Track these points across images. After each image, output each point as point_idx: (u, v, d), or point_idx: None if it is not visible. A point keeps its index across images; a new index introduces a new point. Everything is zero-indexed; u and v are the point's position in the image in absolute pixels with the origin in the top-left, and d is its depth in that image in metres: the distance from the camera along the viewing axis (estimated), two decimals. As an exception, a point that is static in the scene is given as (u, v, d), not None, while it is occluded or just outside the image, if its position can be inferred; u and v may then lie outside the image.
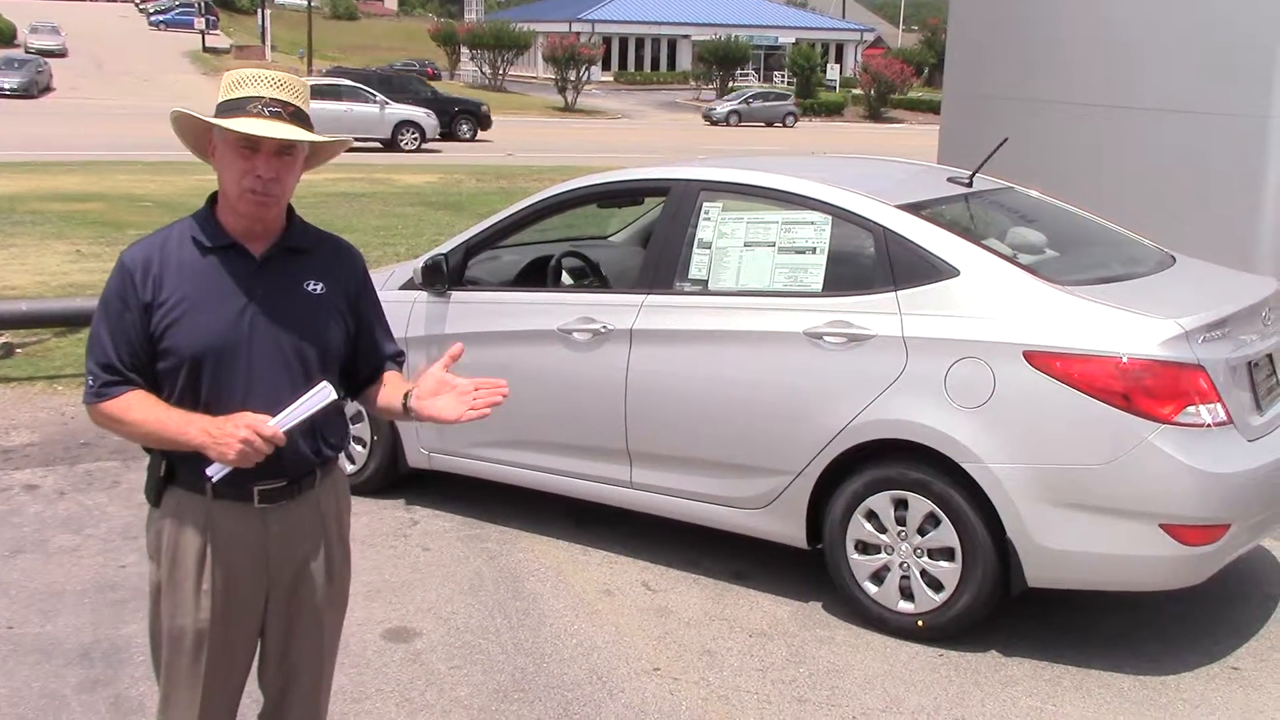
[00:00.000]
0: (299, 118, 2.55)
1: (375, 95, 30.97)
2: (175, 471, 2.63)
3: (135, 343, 2.56)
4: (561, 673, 4.19)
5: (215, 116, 2.54)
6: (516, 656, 4.31)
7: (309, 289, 2.68)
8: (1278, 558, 5.25)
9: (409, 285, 5.56)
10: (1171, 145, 7.38)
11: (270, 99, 2.53)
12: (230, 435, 2.45)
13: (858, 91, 59.20)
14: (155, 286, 2.55)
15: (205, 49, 63.39)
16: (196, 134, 2.61)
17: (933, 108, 53.05)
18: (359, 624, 4.50)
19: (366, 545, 5.26)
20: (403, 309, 5.50)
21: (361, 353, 2.84)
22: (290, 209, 2.70)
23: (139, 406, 2.56)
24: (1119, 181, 7.54)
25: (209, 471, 2.50)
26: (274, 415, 2.50)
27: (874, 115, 56.30)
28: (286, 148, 2.54)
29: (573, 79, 52.85)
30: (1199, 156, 7.24)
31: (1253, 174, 6.99)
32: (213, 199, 2.66)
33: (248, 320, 2.59)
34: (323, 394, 2.53)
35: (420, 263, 5.53)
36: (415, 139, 30.76)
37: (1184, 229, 6.97)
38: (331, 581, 2.87)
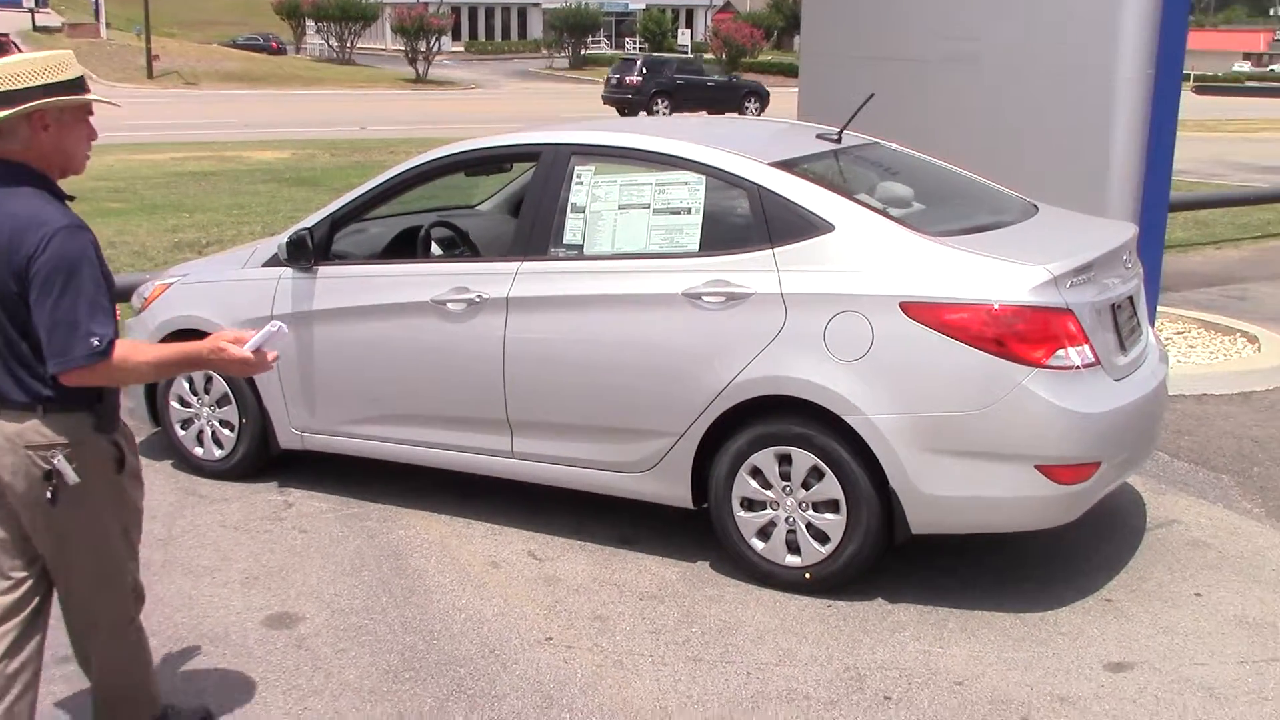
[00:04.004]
0: None
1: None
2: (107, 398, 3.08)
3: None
4: (452, 649, 4.13)
5: (63, 95, 2.93)
6: (404, 635, 4.22)
7: None
8: (1141, 493, 5.45)
9: (273, 262, 5.37)
10: (1021, 99, 7.55)
11: (84, 74, 3.06)
12: (232, 355, 3.03)
13: (709, 56, 59.50)
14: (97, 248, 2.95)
15: (36, 28, 60.44)
16: (15, 120, 2.90)
17: (783, 70, 53.72)
18: (238, 612, 4.36)
19: (240, 531, 5.10)
20: (267, 287, 5.32)
21: None
22: None
23: (138, 347, 3.00)
24: (976, 135, 7.68)
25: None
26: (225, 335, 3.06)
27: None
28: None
29: (423, 50, 52.05)
30: (1048, 110, 7.42)
31: (1100, 125, 7.19)
32: (19, 167, 2.94)
33: None
34: (281, 333, 3.12)
35: (284, 238, 5.34)
36: None
37: (1041, 180, 7.15)
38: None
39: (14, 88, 2.87)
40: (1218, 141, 27.80)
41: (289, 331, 2.94)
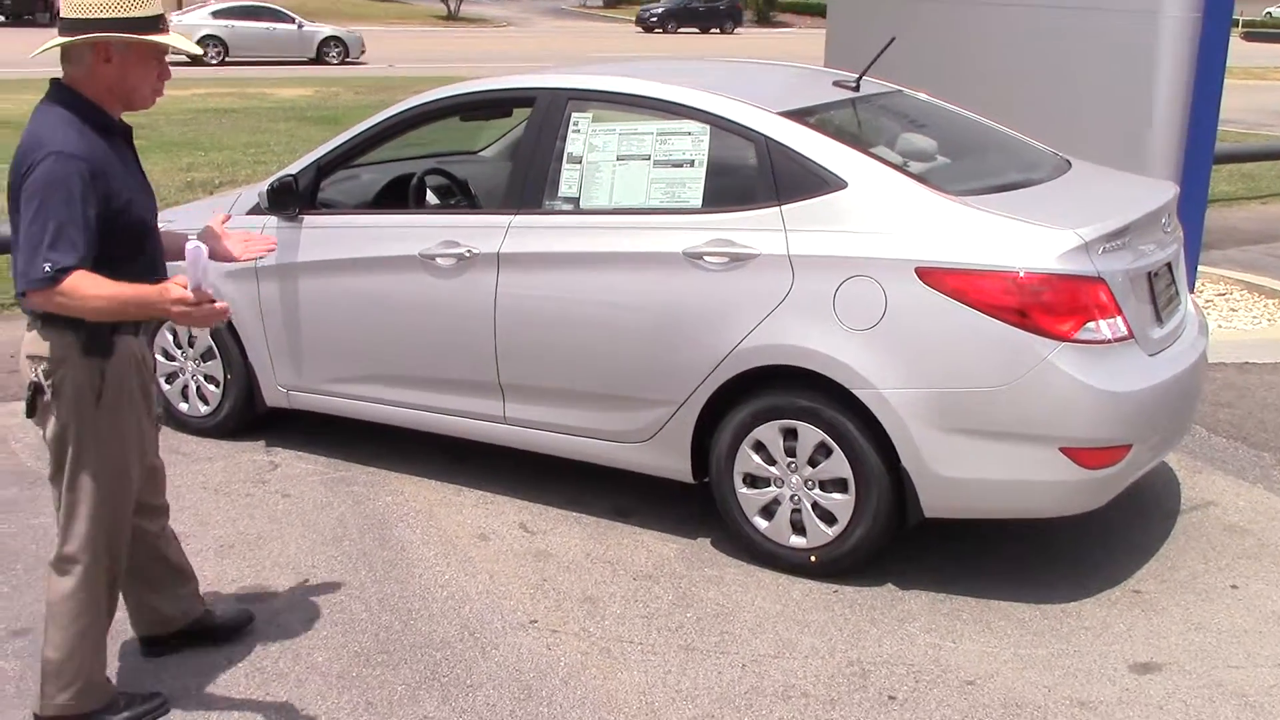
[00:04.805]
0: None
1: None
2: (118, 325, 3.05)
3: (97, 228, 2.90)
4: (430, 630, 3.87)
5: (132, 32, 2.96)
6: (381, 614, 3.97)
7: (138, 159, 3.22)
8: (1175, 471, 5.11)
9: (256, 210, 5.08)
10: (1061, 42, 7.16)
11: (161, 13, 3.04)
12: (213, 312, 2.90)
13: (746, -4, 58.41)
14: (104, 174, 2.94)
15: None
16: (82, 45, 2.96)
17: (821, 11, 52.61)
18: (209, 584, 4.12)
19: (221, 494, 4.86)
20: (251, 236, 5.03)
21: None
22: None
23: (97, 282, 2.87)
24: (1009, 82, 7.30)
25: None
26: (178, 280, 2.90)
27: (763, 20, 55.65)
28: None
29: (456, -14, 51.28)
30: (1089, 54, 7.02)
31: (1143, 72, 6.79)
32: (70, 90, 3.01)
33: (145, 191, 3.13)
34: (200, 251, 2.85)
35: (267, 185, 5.05)
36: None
37: (1077, 130, 6.78)
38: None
39: (86, 16, 2.95)
40: (1266, 90, 26.93)
41: (204, 249, 2.80)
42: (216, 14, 29.78)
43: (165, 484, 3.55)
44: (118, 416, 3.12)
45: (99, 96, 3.03)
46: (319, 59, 29.96)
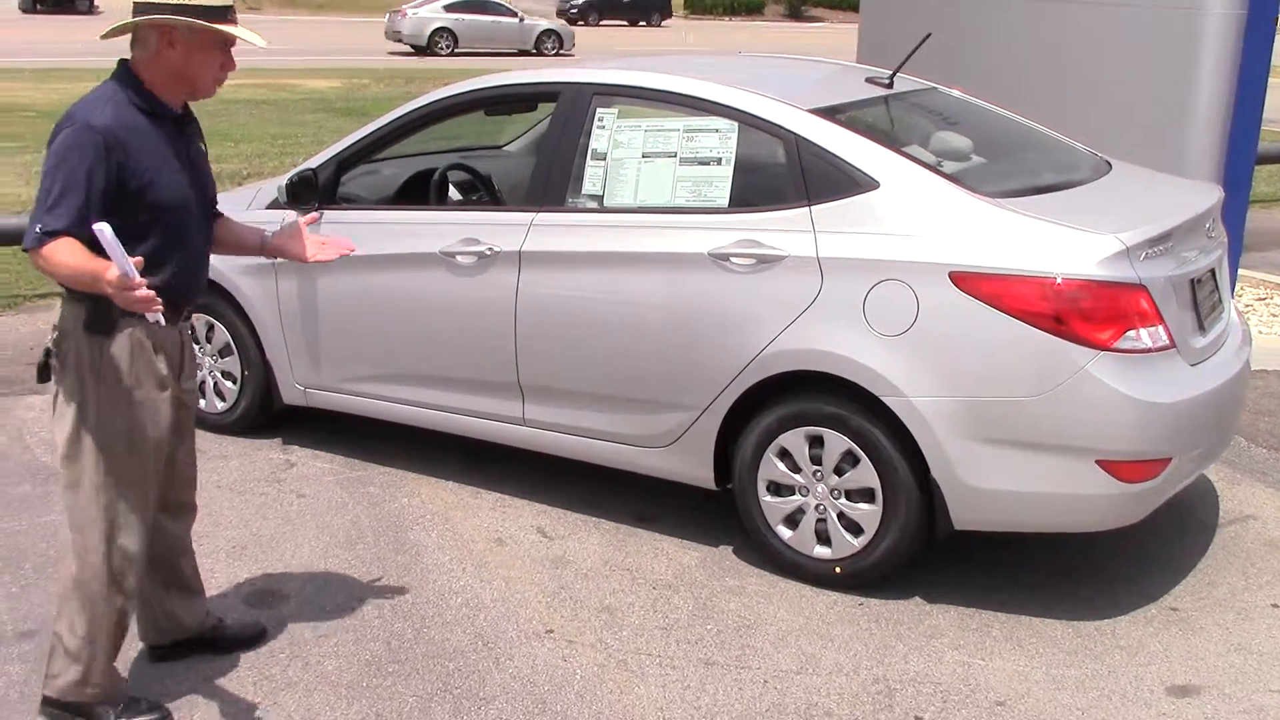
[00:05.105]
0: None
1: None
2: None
3: (101, 199, 2.88)
4: (443, 639, 3.77)
5: (197, 18, 2.95)
6: (394, 621, 3.87)
7: (201, 148, 3.26)
8: (1214, 483, 4.96)
9: (275, 204, 4.99)
10: (1100, 39, 6.97)
11: (230, 4, 3.05)
12: (135, 299, 2.76)
13: (778, -12, 58.01)
14: (125, 150, 2.93)
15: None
16: (148, 28, 2.99)
17: (854, 5, 52.25)
18: (219, 587, 4.04)
19: (235, 493, 4.78)
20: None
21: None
22: None
23: (72, 251, 2.85)
24: (1045, 79, 7.12)
25: (150, 319, 2.86)
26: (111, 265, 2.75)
27: (794, 14, 55.27)
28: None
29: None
30: (1129, 51, 6.84)
31: (1184, 70, 6.61)
32: (129, 70, 3.04)
33: (187, 177, 3.10)
34: (102, 231, 2.71)
35: (285, 179, 4.96)
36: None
37: (1115, 128, 6.61)
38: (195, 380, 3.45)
39: (156, 0, 2.96)
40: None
41: (108, 229, 2.69)
42: (448, 8, 30.97)
43: (194, 482, 3.50)
44: (120, 397, 3.08)
45: (158, 81, 3.04)
46: (537, 50, 31.55)
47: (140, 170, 2.96)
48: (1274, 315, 7.38)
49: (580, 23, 42.05)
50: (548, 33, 32.30)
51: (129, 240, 2.87)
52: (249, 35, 3.08)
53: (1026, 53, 7.28)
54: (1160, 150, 6.42)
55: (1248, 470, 5.12)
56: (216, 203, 3.35)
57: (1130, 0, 6.72)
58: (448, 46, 30.19)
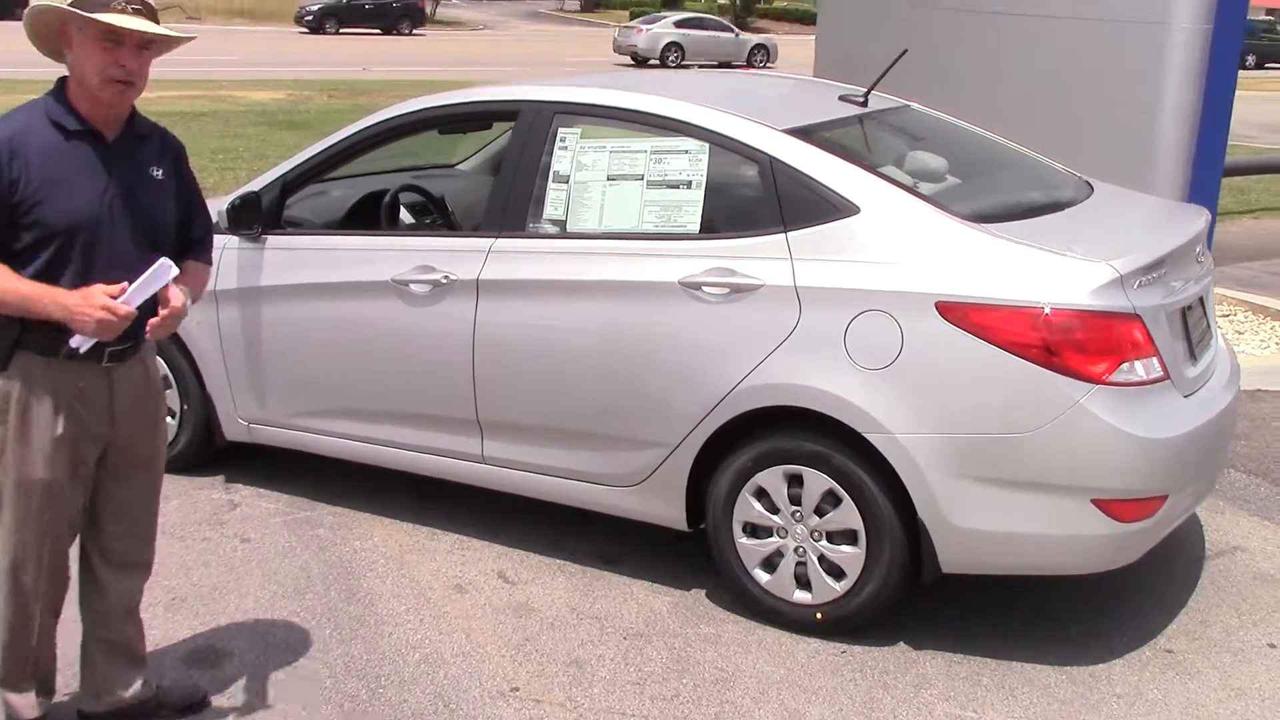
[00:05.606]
0: (152, 14, 2.79)
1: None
2: (25, 336, 2.81)
3: None
4: (401, 700, 3.51)
5: (77, 9, 2.69)
6: (347, 680, 3.60)
7: (153, 173, 2.97)
8: (1199, 513, 4.80)
9: (215, 230, 4.70)
10: (1067, 54, 6.87)
11: None
12: (88, 312, 2.70)
13: (723, 2, 58.13)
14: (21, 166, 2.73)
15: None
16: (53, 28, 2.79)
17: (800, 18, 52.41)
18: (156, 643, 3.75)
19: (174, 538, 4.48)
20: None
21: (183, 232, 3.11)
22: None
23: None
24: (1012, 94, 7.01)
25: (74, 343, 2.76)
26: (122, 288, 2.74)
27: (740, 25, 55.35)
28: (147, 42, 2.80)
29: (432, -11, 50.86)
30: (1093, 67, 6.74)
31: (1152, 84, 6.51)
32: (62, 86, 2.85)
33: (108, 200, 2.84)
34: (164, 269, 2.77)
35: (225, 203, 4.67)
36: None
37: (1081, 144, 6.48)
38: (158, 429, 3.18)
39: None
40: (1245, 100, 26.78)
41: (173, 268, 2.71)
42: (678, 24, 35.47)
43: (148, 538, 3.26)
44: (27, 434, 2.87)
45: (75, 91, 2.84)
46: (748, 63, 34.12)
47: (33, 187, 2.74)
48: (1239, 333, 7.30)
49: (316, 32, 39.62)
50: (759, 47, 35.56)
51: (12, 262, 2.73)
52: (129, 22, 2.72)
53: (993, 68, 7.16)
54: (1127, 164, 6.31)
55: (1230, 497, 4.98)
56: (170, 234, 3.02)
57: (1098, 15, 6.62)
58: (675, 59, 33.73)
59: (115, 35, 2.73)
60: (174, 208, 3.03)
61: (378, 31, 41.62)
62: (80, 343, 2.77)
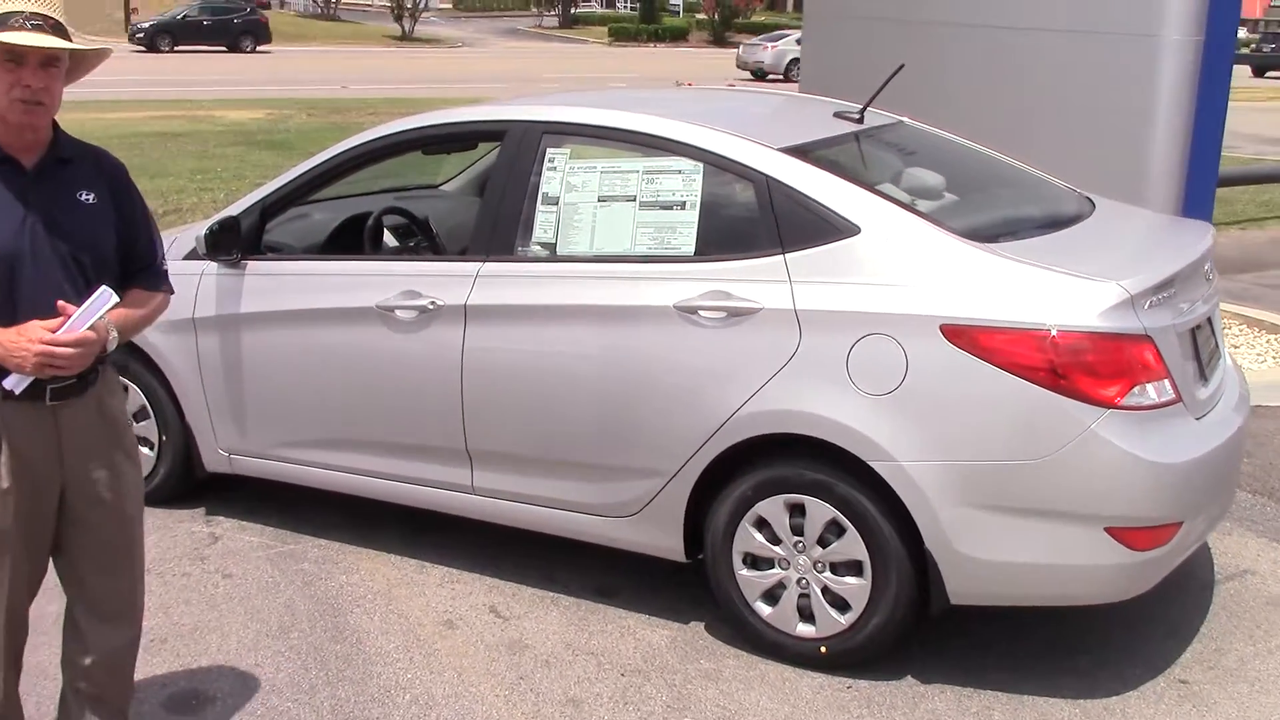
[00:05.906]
0: (60, 30, 2.62)
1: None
2: None
3: None
4: (391, 745, 3.37)
5: None
6: (334, 725, 3.46)
7: (81, 198, 2.77)
8: (1209, 538, 4.68)
9: (193, 255, 4.57)
10: (1059, 67, 6.78)
11: (30, 13, 2.59)
12: (25, 349, 2.58)
13: (702, 16, 58.24)
14: None
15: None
16: None
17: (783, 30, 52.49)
18: (135, 688, 3.58)
19: (153, 574, 4.31)
20: (188, 284, 4.50)
21: (126, 258, 2.90)
22: (54, 122, 2.75)
23: None
24: (1004, 108, 6.91)
25: (8, 384, 2.62)
26: (60, 322, 2.61)
27: (718, 40, 55.46)
28: (52, 59, 2.63)
29: (409, 6, 50.67)
30: (1086, 81, 6.66)
31: (1144, 96, 6.43)
32: None
33: (28, 231, 2.67)
34: (104, 298, 2.65)
35: (204, 228, 4.53)
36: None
37: (1074, 156, 6.40)
38: (119, 470, 2.93)
39: None
40: (1233, 112, 26.82)
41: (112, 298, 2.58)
42: (800, 41, 35.33)
43: (128, 589, 3.02)
44: None
45: None
46: (786, 78, 34.44)
47: None
48: (1235, 348, 7.21)
49: (154, 51, 37.38)
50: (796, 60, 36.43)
51: None
52: (29, 39, 2.55)
53: (983, 82, 7.07)
54: (1120, 176, 6.22)
55: (1237, 518, 4.87)
56: (108, 261, 2.82)
57: (1090, 28, 6.54)
58: (797, 74, 34.06)
59: (16, 54, 2.57)
60: (109, 233, 2.82)
61: (223, 49, 39.01)
62: (15, 383, 2.62)
